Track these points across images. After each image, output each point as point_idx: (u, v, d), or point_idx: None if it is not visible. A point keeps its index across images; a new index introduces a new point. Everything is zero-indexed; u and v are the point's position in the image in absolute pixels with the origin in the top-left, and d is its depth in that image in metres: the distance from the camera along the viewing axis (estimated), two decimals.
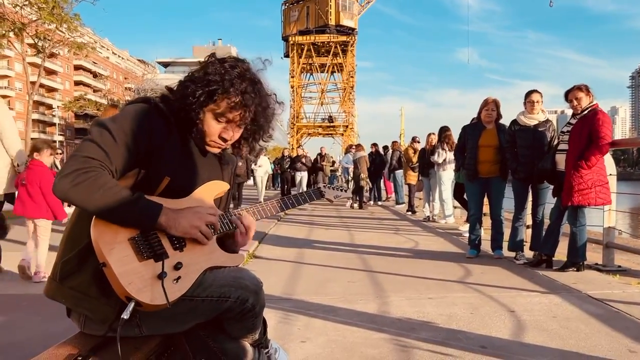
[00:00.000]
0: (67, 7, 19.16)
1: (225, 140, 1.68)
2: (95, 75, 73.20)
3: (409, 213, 11.43)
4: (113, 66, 79.37)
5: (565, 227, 4.96)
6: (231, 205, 1.91)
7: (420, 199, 12.24)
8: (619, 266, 5.07)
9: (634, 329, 3.02)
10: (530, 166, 5.06)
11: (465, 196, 6.53)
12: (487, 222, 6.12)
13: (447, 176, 8.84)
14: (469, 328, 3.03)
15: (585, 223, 4.60)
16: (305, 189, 14.41)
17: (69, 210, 2.10)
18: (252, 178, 14.33)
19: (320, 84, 55.82)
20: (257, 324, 1.78)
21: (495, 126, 5.55)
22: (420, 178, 10.55)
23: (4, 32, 18.74)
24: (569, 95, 4.65)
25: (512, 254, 5.35)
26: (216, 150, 1.73)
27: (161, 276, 1.45)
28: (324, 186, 2.08)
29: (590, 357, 2.58)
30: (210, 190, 1.71)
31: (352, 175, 13.25)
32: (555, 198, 4.95)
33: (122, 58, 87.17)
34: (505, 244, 5.53)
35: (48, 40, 19.99)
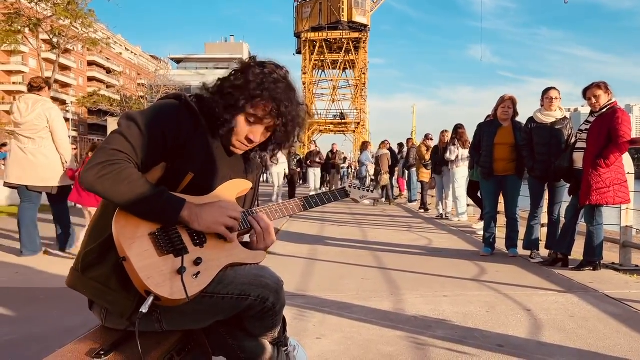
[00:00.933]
0: (81, 3, 19.32)
1: (250, 142, 1.69)
2: (108, 71, 73.50)
3: (422, 211, 11.38)
4: (126, 62, 79.75)
5: (581, 226, 4.91)
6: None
7: (432, 196, 12.18)
8: (636, 265, 5.00)
9: None
10: (547, 164, 5.00)
11: (479, 194, 6.49)
12: (501, 220, 6.08)
13: (461, 174, 8.78)
14: (486, 327, 3.00)
15: (602, 222, 4.55)
16: (317, 187, 14.38)
17: None
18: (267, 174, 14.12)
19: (332, 80, 55.82)
20: (276, 323, 1.78)
21: (512, 124, 5.50)
22: (432, 175, 10.51)
23: (19, 28, 18.95)
24: (587, 93, 4.59)
25: (527, 253, 5.31)
26: (240, 152, 1.73)
27: (180, 271, 1.45)
28: (349, 186, 2.06)
29: (610, 357, 2.55)
30: (233, 188, 1.71)
31: (373, 172, 13.22)
32: (571, 196, 4.90)
33: (135, 54, 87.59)
34: (520, 243, 5.48)
35: (63, 36, 20.15)
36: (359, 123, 53.04)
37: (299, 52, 53.69)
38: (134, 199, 1.44)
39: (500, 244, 5.73)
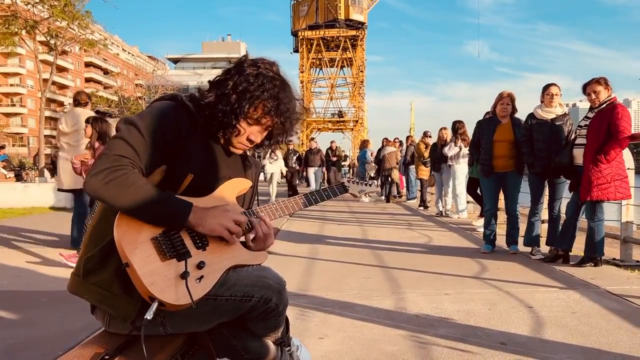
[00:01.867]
0: (78, 4, 19.24)
1: (251, 142, 1.69)
2: (105, 72, 73.54)
3: (421, 208, 11.38)
4: (123, 63, 79.63)
5: (582, 222, 4.91)
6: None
7: (432, 194, 12.18)
8: (637, 261, 4.99)
9: None
10: (547, 160, 5.00)
11: (479, 191, 6.49)
12: (501, 217, 6.08)
13: (461, 170, 8.78)
14: (488, 324, 3.00)
15: (603, 218, 4.55)
16: (317, 186, 14.30)
17: None
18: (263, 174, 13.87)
19: (329, 78, 55.67)
20: (280, 323, 1.78)
21: (511, 120, 5.50)
22: (432, 173, 10.51)
23: (16, 30, 18.88)
24: (587, 89, 4.58)
25: (527, 250, 5.31)
26: (240, 152, 1.74)
27: (184, 275, 1.44)
28: (348, 181, 2.06)
29: (612, 353, 2.55)
30: (233, 188, 1.71)
31: (373, 172, 13.20)
32: (571, 193, 4.90)
33: (133, 55, 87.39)
34: (520, 239, 5.49)
35: (60, 37, 20.08)
36: (357, 121, 52.93)
37: (296, 50, 53.54)
38: (141, 204, 1.44)
39: (501, 241, 5.73)
